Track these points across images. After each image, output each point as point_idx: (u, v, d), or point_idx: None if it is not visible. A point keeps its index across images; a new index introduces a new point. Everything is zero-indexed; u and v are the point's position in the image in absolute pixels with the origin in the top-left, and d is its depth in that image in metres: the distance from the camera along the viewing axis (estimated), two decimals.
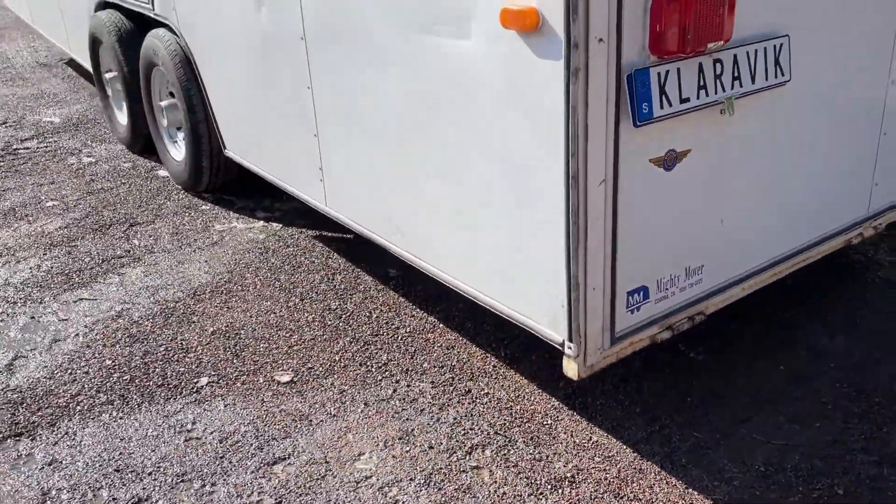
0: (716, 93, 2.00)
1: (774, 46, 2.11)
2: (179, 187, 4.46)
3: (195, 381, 2.73)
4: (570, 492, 2.18)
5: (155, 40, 4.12)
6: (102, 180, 4.62)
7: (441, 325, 2.99)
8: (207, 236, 3.85)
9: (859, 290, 3.10)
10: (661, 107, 1.89)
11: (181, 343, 2.96)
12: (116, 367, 2.83)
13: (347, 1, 2.52)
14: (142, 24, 4.56)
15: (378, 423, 2.48)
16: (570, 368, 2.10)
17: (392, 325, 3.01)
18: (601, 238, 1.96)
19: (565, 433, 2.39)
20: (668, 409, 2.47)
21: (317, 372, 2.75)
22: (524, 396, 2.57)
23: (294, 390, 2.66)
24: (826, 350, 2.72)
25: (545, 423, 2.44)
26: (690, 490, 2.15)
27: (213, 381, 2.72)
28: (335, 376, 2.72)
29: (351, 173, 2.84)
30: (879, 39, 2.50)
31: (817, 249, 2.63)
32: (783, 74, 2.15)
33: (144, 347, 2.94)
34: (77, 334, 3.06)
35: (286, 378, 2.72)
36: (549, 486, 2.19)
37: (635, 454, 2.29)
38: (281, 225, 3.94)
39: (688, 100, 1.94)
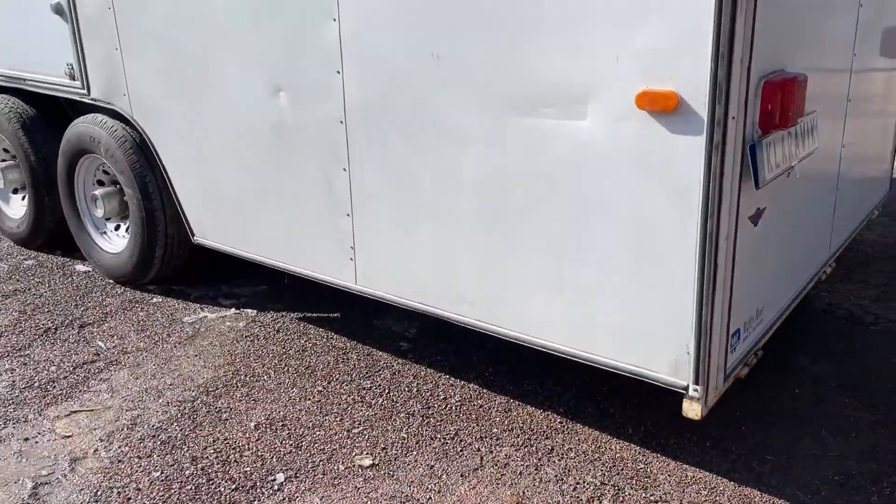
0: (790, 159, 2.38)
1: (813, 120, 2.55)
2: (111, 281, 4.12)
3: (271, 478, 2.58)
4: None
5: (92, 127, 3.86)
6: (11, 282, 4.15)
7: (485, 391, 3.08)
8: (180, 330, 3.61)
9: (813, 319, 3.64)
10: (769, 172, 2.23)
11: (228, 443, 2.77)
12: (170, 477, 2.59)
13: (412, 87, 2.63)
14: (50, 109, 4.26)
15: (488, 492, 2.51)
16: (693, 410, 2.32)
17: (438, 396, 3.04)
18: (724, 287, 2.23)
19: (662, 474, 2.59)
20: (732, 440, 2.75)
21: (394, 452, 2.71)
22: (605, 446, 2.73)
23: (382, 473, 2.61)
24: (819, 374, 3.18)
25: (638, 467, 2.62)
26: None
27: (291, 476, 2.59)
28: (415, 453, 2.70)
29: (399, 251, 2.88)
30: (837, 110, 3.07)
31: (808, 286, 3.10)
32: (815, 143, 2.60)
33: (189, 453, 2.71)
34: (96, 450, 2.75)
35: (367, 461, 2.66)
36: None
37: (732, 483, 2.53)
38: (255, 310, 3.80)
39: (779, 165, 2.30)
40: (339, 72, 2.82)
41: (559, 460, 2.66)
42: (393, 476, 2.59)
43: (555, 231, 2.45)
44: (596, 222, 2.35)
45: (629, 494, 2.49)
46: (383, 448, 2.73)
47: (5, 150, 4.57)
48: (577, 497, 2.48)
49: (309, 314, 3.74)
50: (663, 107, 2.10)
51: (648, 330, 2.34)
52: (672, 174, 2.15)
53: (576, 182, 2.35)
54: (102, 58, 3.70)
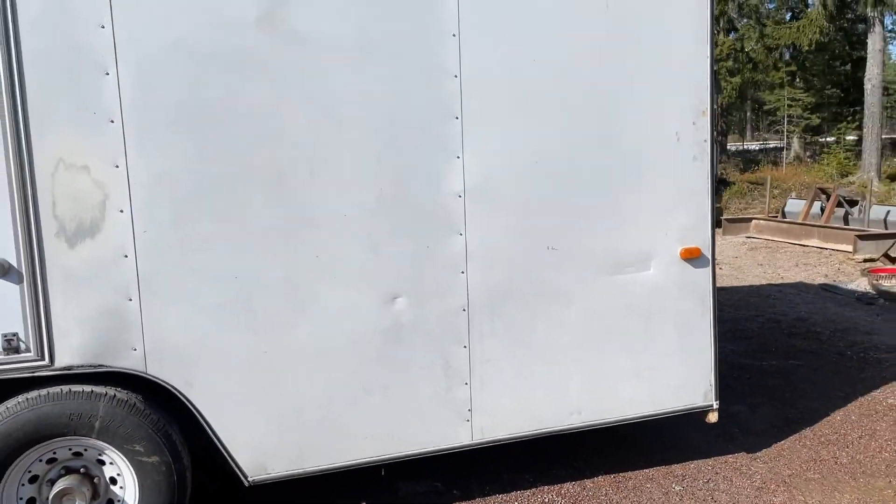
0: None
1: None
2: None
3: None
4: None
5: (67, 403, 3.14)
6: None
7: (558, 485, 4.13)
8: None
9: None
10: None
11: None
12: None
13: (530, 272, 3.72)
14: None
15: None
16: (714, 416, 4.17)
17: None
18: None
19: (718, 464, 4.30)
20: (710, 444, 4.63)
21: None
22: (676, 468, 4.25)
23: None
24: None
25: (717, 466, 4.26)
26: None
27: None
28: None
29: (516, 397, 3.78)
30: None
31: None
32: None
33: None
34: None
35: None
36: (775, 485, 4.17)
37: (730, 453, 4.44)
38: None
39: None
40: (463, 272, 3.63)
41: (682, 481, 4.07)
42: None
43: (632, 338, 3.96)
44: (658, 325, 4.00)
45: (731, 470, 4.14)
46: None
47: None
48: (699, 484, 4.00)
49: None
50: (695, 256, 3.98)
51: (689, 379, 4.10)
52: (697, 290, 4.03)
53: (646, 305, 3.95)
54: (95, 314, 3.15)
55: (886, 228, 13.30)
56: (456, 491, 4.10)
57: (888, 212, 13.88)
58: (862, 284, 9.97)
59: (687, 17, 3.82)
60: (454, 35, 3.47)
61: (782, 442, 4.68)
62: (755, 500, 3.97)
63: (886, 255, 11.06)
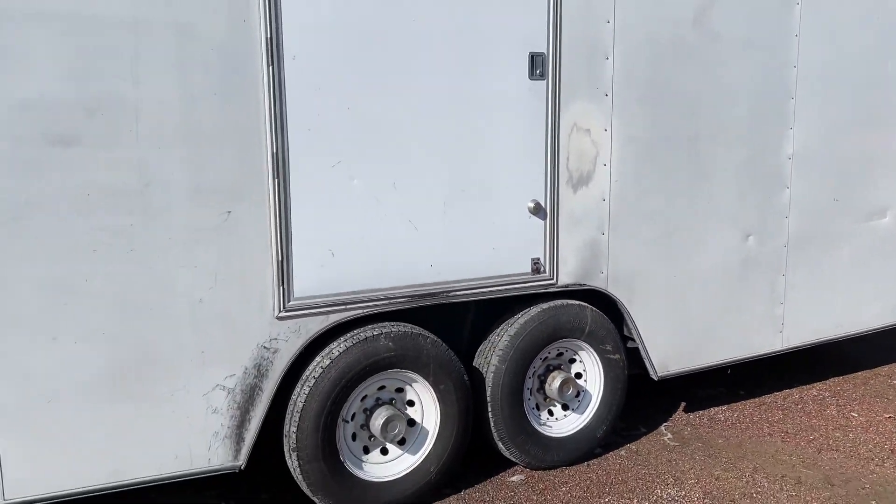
0: None
1: None
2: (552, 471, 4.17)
3: None
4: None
5: (570, 311, 4.05)
6: None
7: (823, 382, 5.38)
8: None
9: None
10: None
11: None
12: None
13: (822, 218, 4.95)
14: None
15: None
16: None
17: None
18: None
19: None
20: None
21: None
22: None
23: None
24: None
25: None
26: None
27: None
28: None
29: (812, 312, 5.00)
30: None
31: None
32: None
33: None
34: None
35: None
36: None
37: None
38: None
39: None
40: (786, 217, 4.80)
41: (889, 379, 5.42)
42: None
43: (873, 269, 5.28)
44: (888, 259, 5.33)
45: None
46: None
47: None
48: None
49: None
50: None
51: None
52: None
53: (882, 244, 5.28)
54: (582, 244, 4.06)
55: None
56: (741, 391, 5.27)
57: None
58: None
59: None
60: (796, 35, 4.62)
61: None
62: None
63: None
